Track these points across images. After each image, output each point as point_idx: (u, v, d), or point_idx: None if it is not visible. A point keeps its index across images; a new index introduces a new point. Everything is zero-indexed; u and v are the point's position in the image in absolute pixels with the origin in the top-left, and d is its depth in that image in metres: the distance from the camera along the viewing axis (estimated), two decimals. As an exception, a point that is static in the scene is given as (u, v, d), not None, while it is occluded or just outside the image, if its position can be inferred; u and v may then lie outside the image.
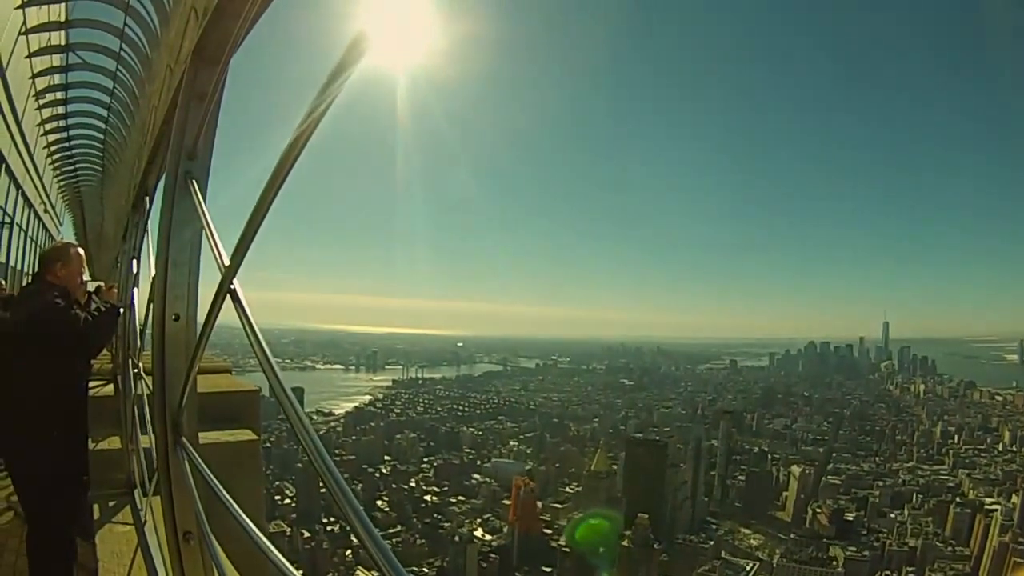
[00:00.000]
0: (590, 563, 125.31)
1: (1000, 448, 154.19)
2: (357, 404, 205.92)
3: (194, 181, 4.57)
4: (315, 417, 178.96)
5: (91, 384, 8.09)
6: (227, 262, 3.20)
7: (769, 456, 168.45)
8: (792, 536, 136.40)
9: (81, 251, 7.07)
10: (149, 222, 10.39)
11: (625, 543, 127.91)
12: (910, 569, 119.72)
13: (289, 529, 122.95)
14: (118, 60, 15.28)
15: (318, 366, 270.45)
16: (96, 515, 8.08)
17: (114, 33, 14.23)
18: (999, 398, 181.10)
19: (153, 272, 4.93)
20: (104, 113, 19.48)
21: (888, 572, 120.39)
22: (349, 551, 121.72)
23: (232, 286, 3.13)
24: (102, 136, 21.34)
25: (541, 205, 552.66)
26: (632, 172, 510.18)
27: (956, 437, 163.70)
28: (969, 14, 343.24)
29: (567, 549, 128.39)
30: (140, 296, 10.57)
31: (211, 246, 3.76)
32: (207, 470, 4.14)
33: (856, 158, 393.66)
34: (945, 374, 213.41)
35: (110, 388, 11.91)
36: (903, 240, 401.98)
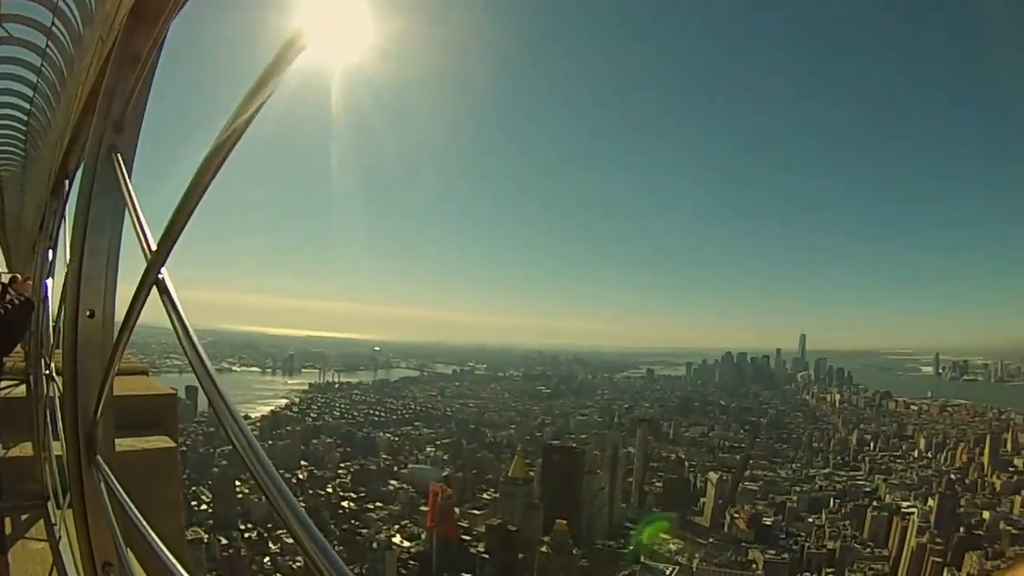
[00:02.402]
0: (509, 568, 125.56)
1: (916, 455, 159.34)
2: (273, 408, 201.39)
3: (119, 156, 4.16)
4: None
5: (2, 384, 7.31)
6: (154, 247, 2.79)
7: (686, 463, 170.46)
8: (711, 540, 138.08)
9: None
10: (67, 207, 9.91)
11: (544, 549, 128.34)
12: (829, 570, 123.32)
13: (207, 536, 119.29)
14: (48, 35, 13.64)
15: (235, 368, 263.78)
16: (8, 529, 7.57)
17: (46, 5, 12.39)
18: (914, 407, 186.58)
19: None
20: (29, 93, 17.66)
21: (808, 573, 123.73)
22: (268, 558, 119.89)
23: (160, 275, 2.78)
24: (25, 118, 19.45)
25: (465, 211, 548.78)
26: (555, 180, 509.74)
27: (872, 444, 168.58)
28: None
29: (486, 556, 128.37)
30: (55, 288, 10.05)
31: (136, 230, 3.48)
32: (125, 496, 3.84)
33: (769, 173, 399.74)
34: (861, 384, 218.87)
35: (23, 389, 11.37)
36: (820, 254, 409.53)
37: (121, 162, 4.05)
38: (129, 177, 4.00)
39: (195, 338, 2.41)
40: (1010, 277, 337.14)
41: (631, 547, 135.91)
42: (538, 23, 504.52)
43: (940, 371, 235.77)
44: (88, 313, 4.18)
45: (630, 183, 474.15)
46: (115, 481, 3.91)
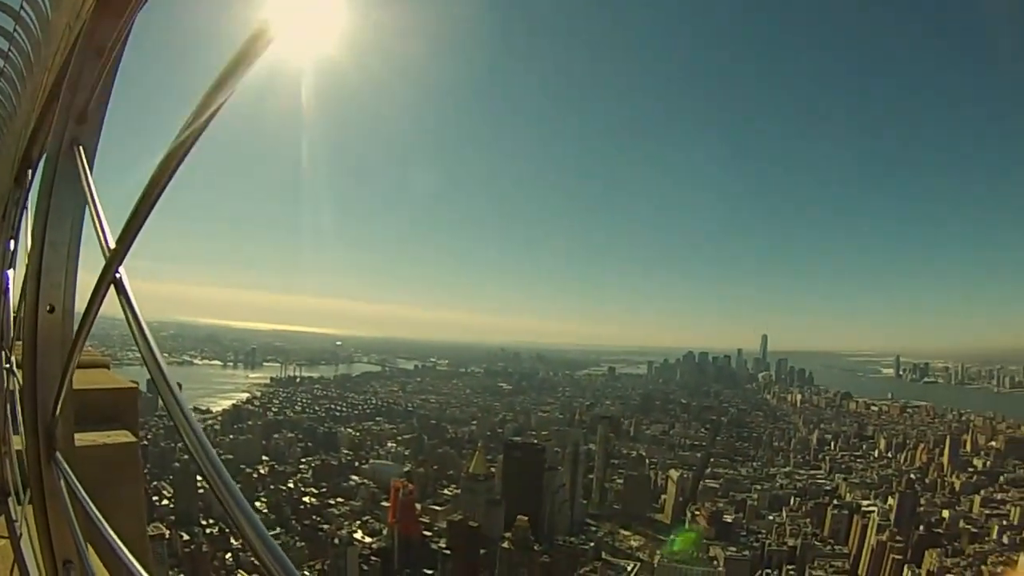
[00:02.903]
0: (471, 564, 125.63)
1: (876, 454, 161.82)
2: (235, 402, 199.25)
3: (81, 149, 4.04)
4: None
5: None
6: (112, 246, 2.89)
7: (647, 460, 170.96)
8: (672, 537, 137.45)
9: None
10: (30, 197, 9.43)
11: (506, 545, 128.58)
12: (791, 567, 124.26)
13: (168, 531, 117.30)
14: (16, 19, 12.90)
15: (196, 361, 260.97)
16: (-34, 524, 7.43)
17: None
18: (875, 408, 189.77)
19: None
20: (-6, 78, 16.75)
21: (768, 570, 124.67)
22: (229, 554, 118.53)
23: (117, 274, 2.87)
24: (-9, 104, 18.61)
25: (429, 208, 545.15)
26: (518, 178, 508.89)
27: (832, 444, 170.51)
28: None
29: (448, 552, 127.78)
30: (15, 279, 9.81)
31: (96, 228, 3.43)
32: (84, 494, 3.84)
33: (733, 175, 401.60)
34: (822, 385, 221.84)
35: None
36: (782, 256, 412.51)
37: (83, 155, 3.88)
38: (91, 171, 3.83)
39: (151, 339, 2.46)
40: (972, 282, 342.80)
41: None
42: (513, 13, 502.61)
43: (901, 373, 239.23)
44: (48, 308, 4.04)
45: (594, 182, 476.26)
46: (74, 478, 3.85)
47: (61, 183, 4.04)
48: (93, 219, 3.38)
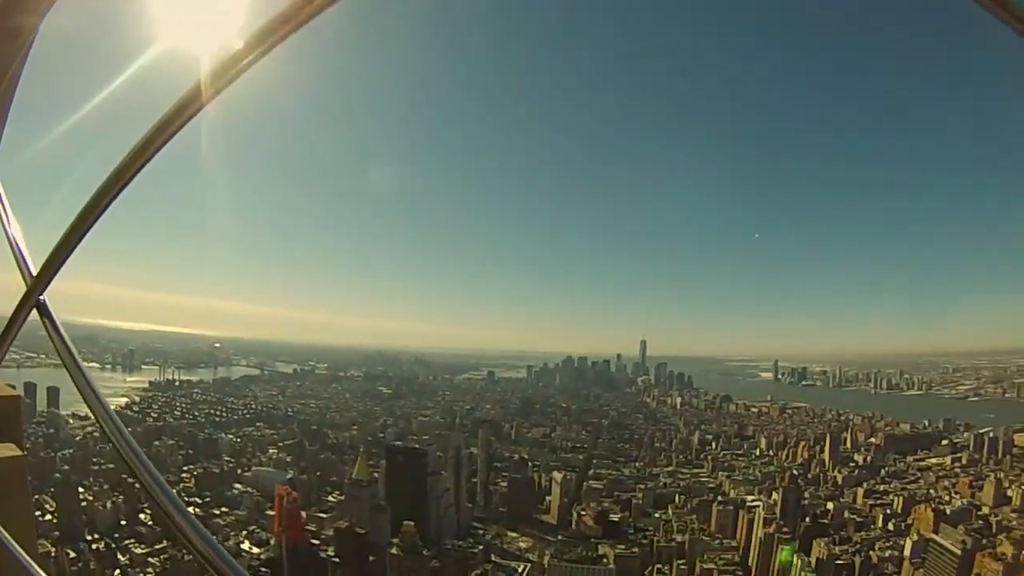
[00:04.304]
0: (361, 572, 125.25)
1: (758, 453, 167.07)
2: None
3: None
4: (71, 421, 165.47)
5: None
6: (34, 272, 3.02)
7: (530, 463, 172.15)
8: (560, 537, 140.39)
9: None
10: None
11: (394, 551, 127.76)
12: (681, 561, 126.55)
13: (54, 548, 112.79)
14: None
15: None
16: None
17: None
18: (754, 409, 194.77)
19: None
20: None
21: (660, 565, 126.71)
22: (118, 571, 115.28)
23: (41, 298, 2.98)
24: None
25: (304, 208, 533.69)
26: (393, 178, 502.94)
27: (714, 444, 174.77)
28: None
29: (337, 560, 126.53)
30: None
31: (13, 251, 3.32)
32: None
33: (609, 179, 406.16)
34: (701, 388, 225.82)
35: None
36: (661, 263, 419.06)
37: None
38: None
39: (81, 365, 2.56)
40: (850, 289, 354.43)
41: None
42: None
43: (779, 376, 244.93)
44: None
45: (470, 186, 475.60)
46: None
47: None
48: (10, 242, 3.24)
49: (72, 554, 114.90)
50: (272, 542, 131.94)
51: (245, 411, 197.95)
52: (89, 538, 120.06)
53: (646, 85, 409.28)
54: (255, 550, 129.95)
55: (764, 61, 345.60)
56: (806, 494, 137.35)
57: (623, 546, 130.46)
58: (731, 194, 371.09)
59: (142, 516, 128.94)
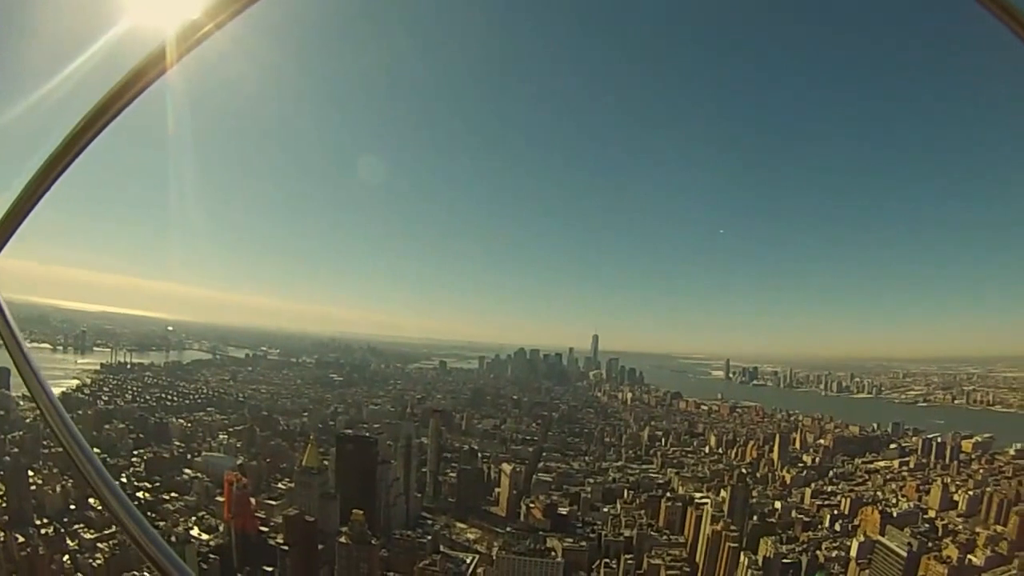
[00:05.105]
0: (309, 560, 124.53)
1: (707, 450, 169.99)
2: (64, 389, 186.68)
3: None
4: (21, 403, 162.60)
5: None
6: None
7: (480, 454, 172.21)
8: (508, 529, 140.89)
9: None
10: None
11: (343, 539, 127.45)
12: (628, 556, 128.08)
13: (2, 533, 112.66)
14: None
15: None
16: None
17: None
18: (705, 407, 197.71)
19: None
20: None
21: (607, 559, 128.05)
22: (67, 556, 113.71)
23: None
24: None
25: (259, 193, 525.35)
26: (346, 166, 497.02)
27: (664, 440, 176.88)
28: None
29: (286, 548, 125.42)
30: None
31: None
32: None
33: (563, 176, 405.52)
34: (652, 384, 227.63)
35: None
36: (614, 258, 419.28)
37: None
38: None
39: (23, 346, 2.55)
40: (802, 291, 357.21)
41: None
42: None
43: (731, 375, 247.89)
44: None
45: (425, 176, 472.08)
46: None
47: None
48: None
49: (20, 539, 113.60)
50: (221, 528, 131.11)
51: (196, 396, 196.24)
52: (38, 523, 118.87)
53: (607, 83, 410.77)
54: (204, 536, 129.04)
55: (745, 59, 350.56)
56: (754, 493, 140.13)
57: (571, 540, 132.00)
58: (690, 193, 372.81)
59: (92, 500, 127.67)
